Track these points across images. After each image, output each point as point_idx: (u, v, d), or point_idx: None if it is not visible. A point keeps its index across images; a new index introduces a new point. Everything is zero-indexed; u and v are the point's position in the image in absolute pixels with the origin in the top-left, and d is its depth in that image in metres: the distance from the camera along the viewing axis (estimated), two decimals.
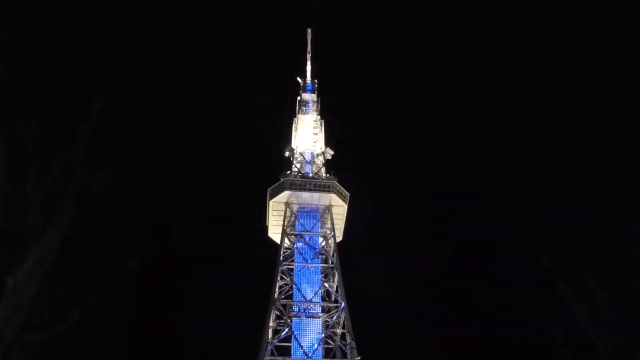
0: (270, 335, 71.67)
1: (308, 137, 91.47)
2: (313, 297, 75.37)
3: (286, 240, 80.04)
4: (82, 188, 19.70)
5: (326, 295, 77.21)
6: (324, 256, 79.74)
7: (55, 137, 19.77)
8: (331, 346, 73.11)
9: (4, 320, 18.20)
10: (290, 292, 76.05)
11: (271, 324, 72.59)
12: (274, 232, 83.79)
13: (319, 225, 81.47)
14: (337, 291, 75.87)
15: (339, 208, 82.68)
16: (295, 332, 72.29)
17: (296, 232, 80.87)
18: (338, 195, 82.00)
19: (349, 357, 70.82)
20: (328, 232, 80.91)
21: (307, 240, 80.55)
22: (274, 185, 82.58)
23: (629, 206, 22.91)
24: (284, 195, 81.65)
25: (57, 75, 20.61)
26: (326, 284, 77.25)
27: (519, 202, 26.03)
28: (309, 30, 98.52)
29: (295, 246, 79.84)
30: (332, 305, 75.44)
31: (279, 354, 71.10)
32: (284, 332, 72.46)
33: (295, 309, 74.60)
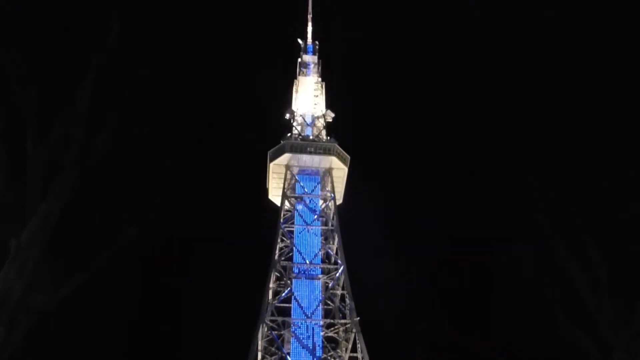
0: (270, 297, 72.56)
1: (309, 99, 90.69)
2: (313, 259, 75.99)
3: (286, 203, 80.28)
4: (82, 151, 19.62)
5: (326, 258, 77.77)
6: (324, 219, 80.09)
7: (55, 99, 19.60)
8: (330, 307, 74.09)
9: (8, 283, 18.30)
10: (290, 254, 76.65)
11: (271, 285, 73.41)
12: (275, 195, 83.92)
13: (319, 187, 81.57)
14: (336, 253, 76.49)
15: (339, 171, 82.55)
16: (295, 294, 73.10)
17: (296, 195, 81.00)
18: (338, 157, 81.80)
19: (348, 318, 71.81)
20: (328, 194, 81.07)
21: (307, 202, 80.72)
22: (274, 148, 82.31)
23: (629, 177, 22.93)
24: (284, 158, 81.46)
25: (57, 37, 20.34)
26: (326, 246, 77.82)
27: (521, 173, 26.04)
28: None
29: (295, 209, 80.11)
30: (331, 267, 76.18)
31: (279, 315, 72.20)
32: (284, 294, 73.34)
33: (296, 270, 75.27)
